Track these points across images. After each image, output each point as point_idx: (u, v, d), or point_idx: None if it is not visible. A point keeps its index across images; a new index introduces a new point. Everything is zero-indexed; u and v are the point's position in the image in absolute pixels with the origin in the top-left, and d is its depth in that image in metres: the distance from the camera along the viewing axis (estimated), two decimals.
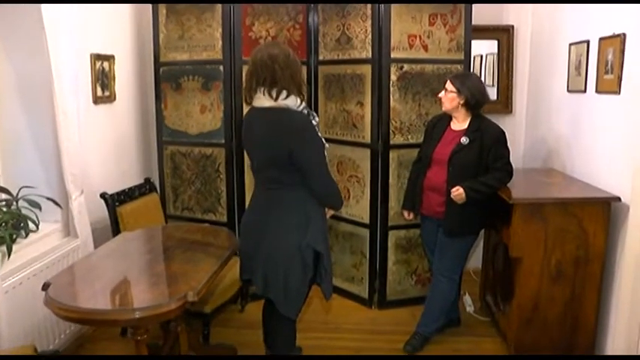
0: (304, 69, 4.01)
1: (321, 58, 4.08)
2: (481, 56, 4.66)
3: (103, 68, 3.84)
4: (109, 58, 3.89)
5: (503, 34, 4.44)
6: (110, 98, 3.94)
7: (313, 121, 2.62)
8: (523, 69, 4.49)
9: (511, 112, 4.51)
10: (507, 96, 4.49)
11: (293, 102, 2.54)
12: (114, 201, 3.53)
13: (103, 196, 3.49)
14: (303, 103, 2.60)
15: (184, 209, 4.17)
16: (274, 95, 2.51)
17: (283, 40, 3.92)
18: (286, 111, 2.53)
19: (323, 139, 2.66)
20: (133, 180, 4.03)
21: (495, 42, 4.53)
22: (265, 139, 2.57)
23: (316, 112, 4.13)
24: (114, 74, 3.96)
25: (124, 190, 3.70)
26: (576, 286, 3.07)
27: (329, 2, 3.96)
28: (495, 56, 4.56)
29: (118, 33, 4.04)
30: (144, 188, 3.92)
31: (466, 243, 3.37)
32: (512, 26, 4.42)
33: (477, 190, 3.15)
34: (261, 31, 3.87)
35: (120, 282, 2.57)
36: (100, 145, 3.84)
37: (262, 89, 2.54)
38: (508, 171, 3.22)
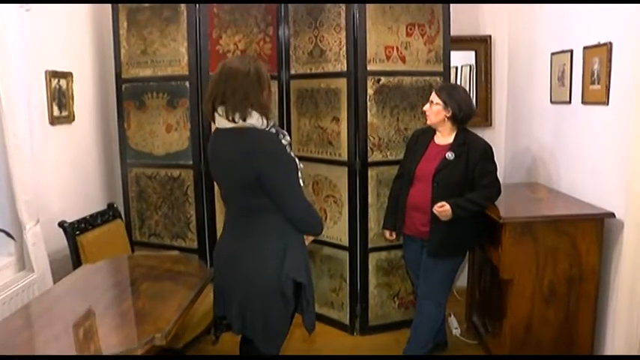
0: (274, 84, 3.83)
1: (292, 72, 3.87)
2: (456, 68, 4.52)
3: (60, 86, 3.57)
4: (67, 76, 3.62)
5: (481, 45, 4.31)
6: (69, 118, 3.66)
7: (283, 141, 2.40)
8: (501, 80, 4.36)
9: (490, 124, 4.37)
10: (486, 108, 4.36)
11: (257, 121, 2.31)
12: (73, 230, 3.25)
13: (61, 224, 3.21)
14: (271, 122, 2.38)
15: (151, 235, 3.90)
16: (229, 116, 2.29)
17: (252, 54, 3.71)
18: (251, 131, 2.30)
19: (296, 160, 2.46)
20: (96, 206, 3.75)
21: (471, 53, 4.40)
22: (231, 163, 2.34)
23: (289, 129, 3.92)
24: (72, 93, 3.68)
25: (84, 218, 3.41)
26: (570, 307, 2.91)
27: (300, 2, 3.78)
28: (470, 68, 4.44)
29: (77, 48, 3.77)
30: (107, 215, 3.64)
31: (453, 264, 3.18)
32: (490, 36, 4.30)
33: (463, 208, 2.97)
34: (229, 44, 3.65)
35: (81, 324, 2.30)
36: (58, 169, 3.55)
37: (219, 109, 2.33)
38: (496, 187, 3.05)
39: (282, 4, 3.82)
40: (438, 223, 3.03)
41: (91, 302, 2.52)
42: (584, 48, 3.04)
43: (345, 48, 3.54)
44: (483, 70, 4.35)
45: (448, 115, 3.05)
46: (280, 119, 3.91)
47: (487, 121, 4.36)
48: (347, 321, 3.83)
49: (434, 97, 3.09)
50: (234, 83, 2.29)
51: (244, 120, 2.29)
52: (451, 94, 3.05)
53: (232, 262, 2.41)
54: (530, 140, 3.91)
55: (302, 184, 2.51)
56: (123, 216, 3.87)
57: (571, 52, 3.23)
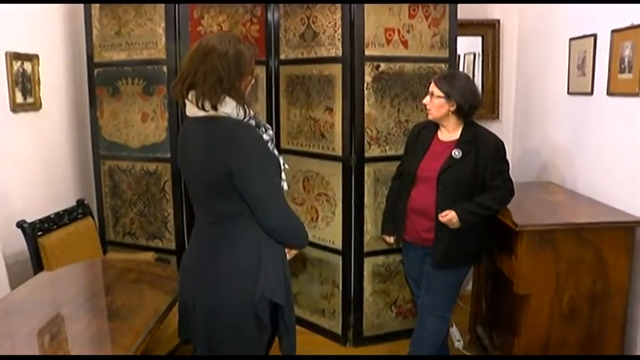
0: (262, 70, 3.43)
1: (282, 57, 3.46)
2: (458, 56, 4.11)
3: (24, 70, 3.16)
4: (32, 58, 3.21)
5: (488, 30, 3.88)
6: (34, 106, 3.25)
7: (265, 135, 2.02)
8: (510, 69, 3.94)
9: (497, 117, 3.96)
10: (493, 99, 3.94)
11: (232, 110, 1.92)
12: (34, 230, 2.84)
13: (20, 224, 2.80)
14: (251, 112, 1.99)
15: (126, 234, 3.50)
16: (199, 102, 1.90)
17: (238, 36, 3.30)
18: (224, 120, 1.92)
19: (280, 159, 2.07)
20: (65, 202, 3.33)
21: (476, 40, 3.98)
22: (199, 159, 1.95)
23: (277, 119, 3.52)
24: (38, 77, 3.27)
25: (49, 217, 3.01)
26: (594, 326, 2.51)
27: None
28: (474, 56, 4.03)
29: (44, 28, 3.34)
30: (75, 212, 3.23)
31: (458, 275, 2.79)
32: (498, 21, 3.87)
33: (472, 213, 2.59)
34: (212, 25, 3.23)
35: (26, 343, 1.91)
36: (21, 162, 3.15)
37: (189, 94, 1.94)
38: (509, 189, 2.66)
39: None
40: (442, 230, 2.64)
41: (38, 321, 2.11)
42: (613, 31, 2.63)
43: (340, 30, 3.13)
44: (490, 57, 3.93)
45: (452, 109, 2.65)
46: (269, 109, 3.50)
47: (494, 113, 3.95)
48: (339, 331, 3.43)
49: (434, 88, 2.68)
50: (207, 65, 1.90)
51: (215, 108, 1.90)
52: (453, 83, 2.64)
53: (199, 274, 2.02)
54: (542, 134, 3.51)
55: (286, 188, 2.12)
56: (95, 213, 3.48)
57: (594, 36, 2.82)
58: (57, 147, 3.46)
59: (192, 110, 1.96)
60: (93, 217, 3.36)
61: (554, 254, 2.44)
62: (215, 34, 2.13)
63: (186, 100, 1.96)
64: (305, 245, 2.17)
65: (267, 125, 2.10)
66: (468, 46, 4.02)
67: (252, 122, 1.99)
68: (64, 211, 3.17)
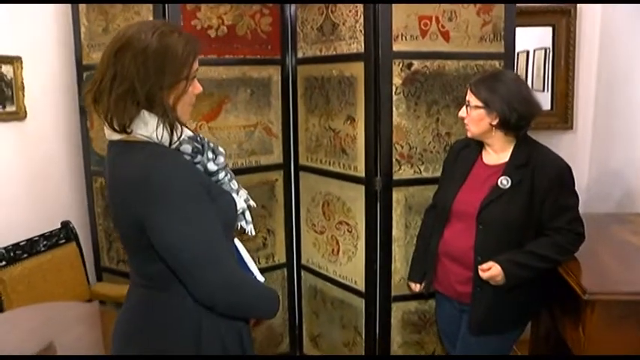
0: (277, 71, 2.80)
1: (300, 55, 2.81)
2: (527, 53, 3.31)
3: (4, 74, 2.70)
4: (13, 61, 2.73)
5: (561, 18, 3.04)
6: (18, 115, 2.78)
7: (211, 164, 1.41)
8: (589, 67, 3.07)
9: (571, 127, 3.11)
10: (566, 105, 3.10)
11: (152, 131, 1.30)
12: None
13: None
14: (186, 133, 1.37)
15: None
16: (106, 120, 1.31)
17: (245, 31, 2.68)
18: (140, 149, 1.31)
19: (236, 196, 1.46)
20: (55, 224, 2.85)
21: (546, 31, 3.17)
22: (113, 202, 1.38)
23: (295, 130, 2.87)
24: (22, 82, 2.80)
25: (17, 244, 2.54)
26: None
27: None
28: (546, 52, 3.21)
29: (27, 27, 2.85)
30: (56, 237, 2.75)
31: (505, 341, 2.04)
32: (575, 6, 3.01)
33: (523, 266, 1.84)
34: (211, 18, 2.61)
35: None
36: (1, 179, 2.69)
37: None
38: (577, 232, 1.88)
39: None
40: (483, 286, 1.91)
41: None
42: None
43: (362, 20, 2.44)
44: (564, 53, 3.09)
45: (494, 123, 1.91)
46: (284, 118, 2.87)
47: (566, 122, 3.10)
48: None
49: (470, 96, 1.95)
50: (117, 66, 1.28)
51: (123, 129, 1.29)
52: (495, 88, 1.90)
53: (121, 348, 1.44)
54: (628, 152, 2.67)
55: (252, 233, 1.50)
56: (89, 236, 2.98)
57: None
58: (44, 161, 2.95)
59: (107, 130, 1.36)
60: (78, 243, 2.85)
61: None
62: (142, 21, 1.50)
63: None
64: (272, 316, 1.51)
65: (219, 149, 1.47)
66: (540, 39, 3.22)
67: (187, 147, 1.37)
68: (41, 236, 2.69)
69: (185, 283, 1.31)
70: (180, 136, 1.34)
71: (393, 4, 2.35)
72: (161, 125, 1.30)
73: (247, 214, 1.54)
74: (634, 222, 2.36)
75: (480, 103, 1.91)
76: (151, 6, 2.55)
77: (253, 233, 1.57)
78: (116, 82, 1.28)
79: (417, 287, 2.31)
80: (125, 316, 1.47)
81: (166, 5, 2.52)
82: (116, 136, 1.34)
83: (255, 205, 1.59)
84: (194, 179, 1.33)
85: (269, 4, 2.72)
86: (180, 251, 1.28)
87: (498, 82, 1.92)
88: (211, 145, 1.46)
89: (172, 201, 1.26)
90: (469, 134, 2.00)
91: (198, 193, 1.32)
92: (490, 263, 1.85)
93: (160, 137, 1.30)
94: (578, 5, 3.01)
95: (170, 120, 1.31)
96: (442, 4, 2.39)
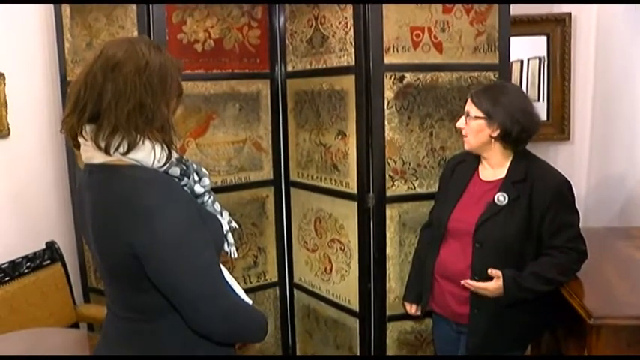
0: (266, 85, 2.70)
1: (289, 68, 2.70)
2: (521, 62, 3.21)
3: None
4: None
5: (556, 27, 2.93)
6: (1, 133, 2.66)
7: (197, 187, 1.32)
8: (586, 76, 2.96)
9: (568, 138, 3.00)
10: (562, 115, 2.99)
11: (148, 155, 1.21)
12: None
13: None
14: (175, 155, 1.27)
15: None
16: (103, 142, 1.19)
17: (232, 45, 2.58)
18: (128, 174, 1.21)
19: (221, 218, 1.35)
20: (36, 245, 2.72)
21: (541, 40, 3.07)
22: (95, 232, 1.25)
23: (285, 145, 2.77)
24: (5, 99, 2.68)
25: None
26: None
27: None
28: (541, 61, 3.11)
29: (10, 43, 2.74)
30: (40, 259, 2.63)
31: None
32: (569, 14, 2.92)
33: (523, 288, 1.73)
34: (197, 31, 2.51)
35: None
36: None
37: (87, 129, 1.22)
38: (579, 251, 1.77)
39: None
40: (481, 305, 1.80)
41: None
42: None
43: (352, 32, 2.34)
44: (559, 62, 3.00)
45: (495, 135, 1.80)
46: (274, 133, 2.76)
47: (563, 133, 2.99)
48: None
49: (470, 106, 1.84)
50: (118, 82, 1.19)
51: (127, 151, 1.19)
52: (497, 99, 1.80)
53: None
54: (629, 162, 2.58)
55: (234, 255, 1.41)
56: (76, 257, 2.86)
57: None
58: (28, 180, 2.82)
59: (88, 153, 1.25)
60: (64, 263, 2.73)
61: None
62: (118, 40, 1.40)
63: (80, 139, 1.26)
64: (262, 339, 1.42)
65: (204, 171, 1.37)
66: (533, 48, 3.12)
67: (176, 170, 1.27)
68: (24, 257, 2.55)
69: (182, 313, 1.23)
70: (170, 157, 1.25)
71: (384, 15, 2.24)
72: (159, 145, 1.21)
73: (230, 236, 1.44)
74: (638, 237, 2.25)
75: (480, 114, 1.81)
76: (135, 20, 2.44)
77: (235, 255, 1.47)
78: (121, 99, 1.18)
79: (412, 308, 2.19)
80: (105, 346, 1.37)
81: (151, 19, 2.41)
82: (99, 159, 1.23)
83: (237, 227, 1.49)
84: (190, 204, 1.25)
85: (258, 16, 2.63)
86: (182, 283, 1.19)
87: (502, 94, 1.82)
88: (194, 166, 1.36)
89: (171, 228, 1.17)
90: (466, 146, 1.90)
91: (195, 219, 1.23)
92: (493, 270, 1.75)
93: (155, 158, 1.21)
94: (573, 13, 2.91)
95: (169, 137, 1.23)
96: (434, 15, 2.29)
